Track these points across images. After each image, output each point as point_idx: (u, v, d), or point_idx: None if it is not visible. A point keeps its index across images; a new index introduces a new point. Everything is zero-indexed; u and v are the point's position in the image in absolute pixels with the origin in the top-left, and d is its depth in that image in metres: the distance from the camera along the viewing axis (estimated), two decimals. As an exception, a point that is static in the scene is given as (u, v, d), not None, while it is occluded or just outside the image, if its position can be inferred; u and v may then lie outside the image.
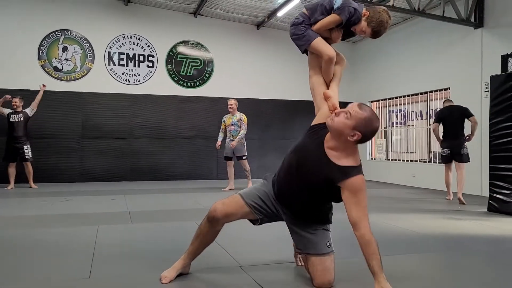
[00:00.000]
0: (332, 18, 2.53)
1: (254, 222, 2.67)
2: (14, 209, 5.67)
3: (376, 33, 2.56)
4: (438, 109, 9.39)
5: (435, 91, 9.00)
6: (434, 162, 9.07)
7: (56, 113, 9.34)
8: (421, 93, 9.37)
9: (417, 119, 9.87)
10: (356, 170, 2.30)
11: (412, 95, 9.68)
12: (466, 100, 7.99)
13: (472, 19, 7.79)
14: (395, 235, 4.20)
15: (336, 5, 2.51)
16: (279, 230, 3.42)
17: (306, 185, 2.39)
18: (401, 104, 10.19)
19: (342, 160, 2.30)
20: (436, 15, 7.82)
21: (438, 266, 3.12)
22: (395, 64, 10.02)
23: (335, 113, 2.30)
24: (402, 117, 10.28)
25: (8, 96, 8.04)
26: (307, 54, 2.71)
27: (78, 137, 9.52)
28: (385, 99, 10.62)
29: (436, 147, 9.51)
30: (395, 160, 10.39)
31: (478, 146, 7.64)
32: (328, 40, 2.64)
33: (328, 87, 2.61)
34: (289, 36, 2.73)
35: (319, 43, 2.56)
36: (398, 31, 9.92)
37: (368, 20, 2.52)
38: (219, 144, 8.19)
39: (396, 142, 10.66)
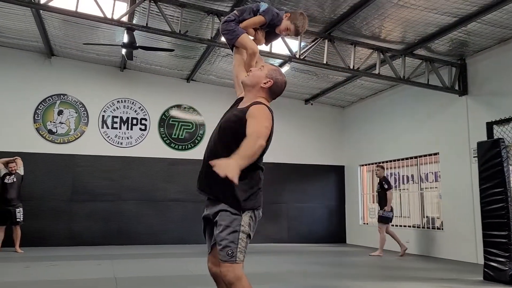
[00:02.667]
0: (258, 18, 2.91)
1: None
2: (-5, 276, 5.46)
3: (297, 29, 2.96)
4: (428, 173, 9.51)
5: (425, 155, 9.11)
6: (428, 228, 8.98)
7: (46, 175, 9.28)
8: (411, 158, 9.47)
9: (409, 183, 9.89)
10: (262, 104, 2.48)
11: (402, 159, 9.78)
12: (456, 165, 8.10)
13: (456, 87, 8.07)
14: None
15: (262, 9, 2.92)
16: None
17: (218, 136, 2.54)
18: (393, 168, 10.26)
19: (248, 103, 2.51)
20: (421, 83, 8.10)
21: None
22: (384, 129, 10.21)
23: (249, 71, 2.61)
24: (394, 181, 10.31)
25: (19, 159, 8.12)
26: (232, 50, 3.01)
27: (67, 200, 9.40)
28: (376, 163, 10.69)
29: (430, 212, 9.49)
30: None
31: (470, 212, 7.61)
32: (254, 41, 2.98)
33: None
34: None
35: (245, 38, 2.88)
36: (385, 97, 10.22)
37: (290, 19, 2.93)
38: None
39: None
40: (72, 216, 9.38)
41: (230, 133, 2.47)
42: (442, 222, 8.58)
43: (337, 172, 11.65)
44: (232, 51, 3.00)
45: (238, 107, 2.61)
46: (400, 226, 9.74)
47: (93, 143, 9.78)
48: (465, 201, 7.77)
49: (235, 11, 3.00)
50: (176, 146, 10.47)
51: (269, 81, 2.55)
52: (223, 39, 7.46)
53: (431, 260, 7.69)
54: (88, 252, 8.01)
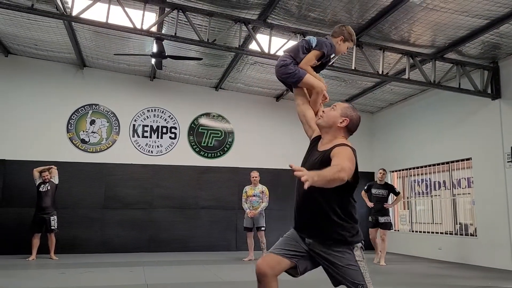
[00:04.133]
0: (314, 53, 2.89)
1: (293, 273, 2.63)
2: (34, 281, 5.64)
3: (353, 42, 3.01)
4: (461, 179, 9.29)
5: (457, 161, 8.91)
6: (460, 235, 8.76)
7: (79, 184, 9.53)
8: (443, 163, 9.27)
9: (441, 189, 9.68)
10: (346, 145, 2.49)
11: (434, 165, 9.59)
12: (489, 170, 7.89)
13: (489, 91, 7.88)
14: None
15: (313, 44, 2.90)
16: None
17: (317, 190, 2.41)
18: (424, 174, 10.07)
19: (334, 143, 2.54)
20: (452, 87, 7.94)
21: None
22: (414, 134, 10.04)
23: (320, 115, 2.63)
24: (426, 187, 10.12)
25: (54, 168, 8.40)
26: (291, 91, 3.00)
27: (99, 208, 9.62)
28: (407, 169, 10.54)
29: (463, 219, 9.26)
30: (420, 232, 10.08)
31: (505, 218, 7.39)
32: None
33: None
34: None
35: (309, 78, 2.87)
36: (415, 102, 10.06)
37: (344, 39, 2.95)
38: (251, 212, 8.11)
39: (420, 212, 10.40)
40: (104, 223, 9.59)
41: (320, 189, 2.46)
42: (475, 229, 8.35)
43: (368, 179, 11.49)
44: (292, 91, 3.00)
45: (319, 149, 2.64)
46: (432, 232, 9.54)
47: (124, 151, 9.99)
48: (499, 207, 7.55)
49: (285, 53, 2.97)
50: (206, 154, 10.58)
51: (345, 119, 2.59)
52: (251, 46, 7.67)
53: (464, 268, 7.49)
54: (120, 259, 8.16)
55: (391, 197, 8.66)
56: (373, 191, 8.20)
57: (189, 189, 10.22)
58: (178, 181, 10.18)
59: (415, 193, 10.52)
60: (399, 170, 10.82)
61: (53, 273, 6.30)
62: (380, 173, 8.29)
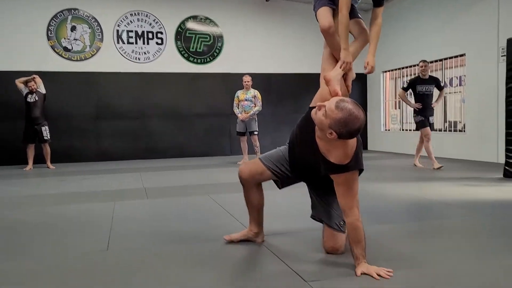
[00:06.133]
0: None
1: (276, 184, 2.74)
2: (34, 189, 5.78)
3: None
4: (453, 77, 9.26)
5: (450, 58, 8.79)
6: (449, 131, 8.95)
7: (69, 94, 9.39)
8: (436, 61, 9.16)
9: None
10: (346, 168, 2.21)
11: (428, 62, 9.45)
12: (482, 66, 7.83)
13: (488, -19, 7.53)
14: (412, 203, 4.19)
15: None
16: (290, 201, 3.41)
17: (308, 166, 2.41)
18: (415, 74, 9.98)
19: (332, 155, 2.22)
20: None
21: (458, 230, 3.11)
22: (407, 31, 9.79)
23: (318, 107, 2.17)
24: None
25: (37, 77, 8.16)
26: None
27: (92, 118, 9.59)
28: (399, 69, 10.43)
29: (453, 117, 9.40)
30: (410, 130, 10.26)
31: (494, 113, 7.50)
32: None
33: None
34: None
35: (321, 13, 2.55)
36: (410, -3, 9.66)
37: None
38: (242, 116, 8.12)
39: (411, 112, 10.47)
40: (99, 134, 9.63)
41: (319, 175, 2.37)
42: (464, 125, 8.51)
43: (360, 80, 11.41)
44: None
45: (319, 146, 2.28)
46: (422, 131, 9.72)
47: (110, 59, 9.71)
48: (489, 103, 7.64)
49: None
50: (195, 60, 10.33)
51: (332, 132, 2.12)
52: None
53: (451, 162, 7.75)
54: (118, 166, 8.33)
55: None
56: (419, 88, 7.02)
57: (181, 97, 10.14)
58: (169, 89, 10.06)
59: (407, 94, 10.50)
60: (392, 70, 10.71)
61: (53, 181, 6.44)
62: (422, 66, 7.02)
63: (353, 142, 2.23)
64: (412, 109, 7.17)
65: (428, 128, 6.96)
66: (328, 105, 2.11)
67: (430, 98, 7.04)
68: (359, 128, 2.10)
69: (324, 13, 2.54)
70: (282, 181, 2.69)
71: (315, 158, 2.30)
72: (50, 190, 5.55)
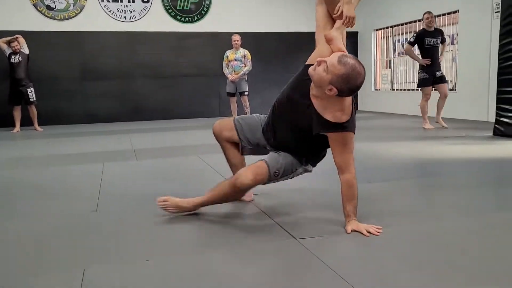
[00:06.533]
0: None
1: (237, 148, 2.67)
2: (22, 150, 5.71)
3: None
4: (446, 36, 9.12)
5: (443, 15, 8.64)
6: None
7: (54, 55, 9.14)
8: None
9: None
10: (344, 127, 2.15)
11: (419, 20, 9.30)
12: (475, 23, 7.72)
13: None
14: (403, 162, 4.20)
15: None
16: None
17: (294, 127, 2.32)
18: (408, 32, 9.84)
19: (328, 113, 2.15)
20: None
21: (447, 187, 3.13)
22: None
23: (318, 62, 2.08)
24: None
25: (20, 37, 7.89)
26: None
27: (78, 79, 9.39)
28: (390, 27, 10.26)
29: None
30: (400, 90, 10.23)
31: (486, 71, 7.47)
32: None
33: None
34: None
35: None
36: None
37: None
38: (232, 76, 7.98)
39: (402, 73, 10.42)
40: (85, 95, 9.46)
41: (304, 137, 2.29)
42: (455, 84, 8.48)
43: (351, 39, 11.23)
44: None
45: (314, 105, 2.19)
46: (412, 90, 9.69)
47: (95, 18, 9.40)
48: (481, 61, 7.59)
49: None
50: (182, 19, 10.04)
51: (333, 89, 2.05)
52: None
53: (443, 120, 7.75)
54: (105, 128, 8.23)
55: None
56: (427, 41, 6.58)
57: (168, 57, 9.92)
58: (156, 49, 9.82)
59: (398, 53, 10.42)
60: (383, 29, 10.54)
61: (41, 142, 6.36)
62: (428, 18, 6.61)
63: (349, 99, 2.19)
64: (419, 64, 6.80)
65: (430, 88, 6.70)
66: (330, 60, 2.06)
67: (437, 51, 6.69)
68: (361, 84, 2.06)
69: None
70: (243, 148, 2.62)
71: (305, 116, 2.22)
72: (37, 152, 5.48)
